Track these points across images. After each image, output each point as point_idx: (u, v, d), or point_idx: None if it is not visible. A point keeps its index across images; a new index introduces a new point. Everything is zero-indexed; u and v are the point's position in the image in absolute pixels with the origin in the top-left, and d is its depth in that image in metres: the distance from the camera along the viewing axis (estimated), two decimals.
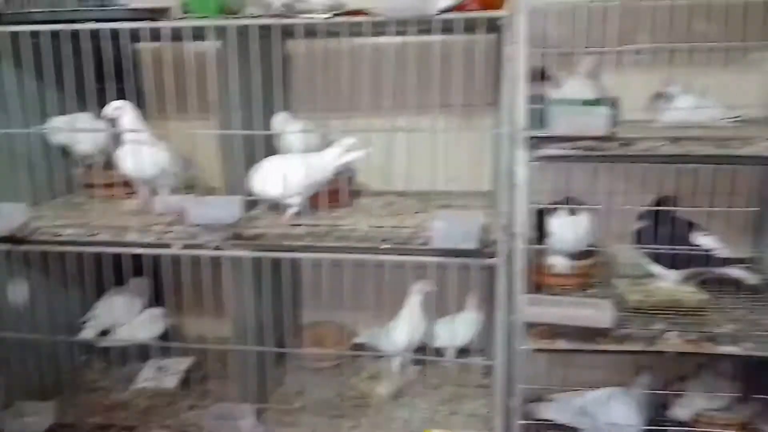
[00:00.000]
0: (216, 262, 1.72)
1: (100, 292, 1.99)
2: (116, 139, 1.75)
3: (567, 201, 1.69)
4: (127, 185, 1.83)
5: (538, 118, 1.47)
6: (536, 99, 1.49)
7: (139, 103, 1.75)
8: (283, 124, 1.78)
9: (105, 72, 1.67)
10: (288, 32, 1.66)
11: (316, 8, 1.58)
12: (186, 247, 1.65)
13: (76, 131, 1.79)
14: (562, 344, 1.53)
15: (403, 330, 1.88)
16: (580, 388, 1.83)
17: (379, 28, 1.55)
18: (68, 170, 1.99)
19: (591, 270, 1.78)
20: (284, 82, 1.90)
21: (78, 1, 1.80)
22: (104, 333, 2.04)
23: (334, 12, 1.56)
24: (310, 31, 1.61)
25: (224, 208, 1.57)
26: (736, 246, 1.75)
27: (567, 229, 1.68)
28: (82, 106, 1.78)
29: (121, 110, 1.70)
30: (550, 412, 1.80)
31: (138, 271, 1.98)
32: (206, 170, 2.00)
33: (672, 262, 1.62)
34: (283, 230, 1.64)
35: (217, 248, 1.63)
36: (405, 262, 1.63)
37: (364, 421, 1.81)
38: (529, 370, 1.61)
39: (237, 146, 1.67)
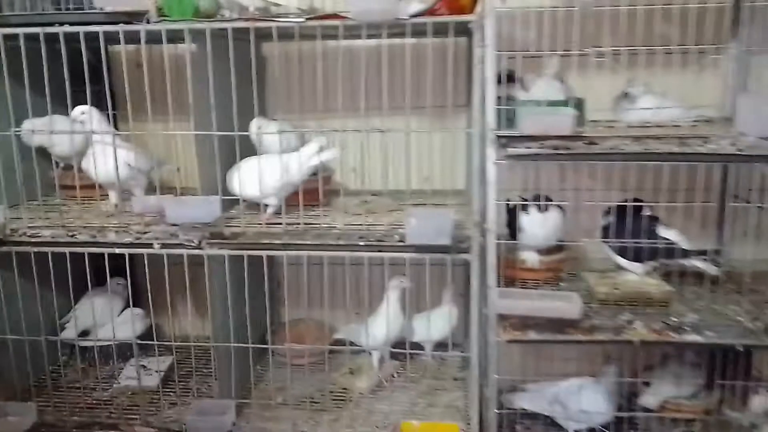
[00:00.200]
0: (195, 261, 1.74)
1: (79, 293, 2.00)
2: (86, 142, 1.78)
3: (537, 198, 1.75)
4: (104, 187, 1.85)
5: (507, 118, 1.53)
6: (506, 100, 1.55)
7: (116, 106, 1.78)
8: (259, 127, 1.81)
9: (83, 75, 1.68)
10: (263, 35, 1.69)
11: (290, 12, 1.62)
12: (165, 246, 1.67)
13: (50, 133, 1.80)
14: (533, 335, 1.59)
15: (381, 325, 1.92)
16: (553, 379, 1.89)
17: (353, 32, 1.59)
18: (45, 172, 2.00)
19: (561, 264, 1.84)
20: (260, 83, 1.94)
21: (54, 5, 1.82)
22: (84, 333, 2.06)
23: (308, 16, 1.59)
24: (285, 34, 1.65)
25: (203, 208, 1.60)
26: (699, 239, 1.83)
27: (536, 225, 1.74)
28: (60, 109, 1.80)
29: (88, 114, 1.72)
30: (524, 401, 1.85)
31: (117, 272, 2.00)
32: (184, 171, 2.03)
33: (637, 255, 1.69)
34: (262, 229, 1.68)
35: (196, 247, 1.66)
36: (382, 260, 1.68)
37: (344, 415, 1.85)
38: (503, 362, 1.67)
39: (214, 147, 1.70)
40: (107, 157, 1.73)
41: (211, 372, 2.02)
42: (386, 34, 1.58)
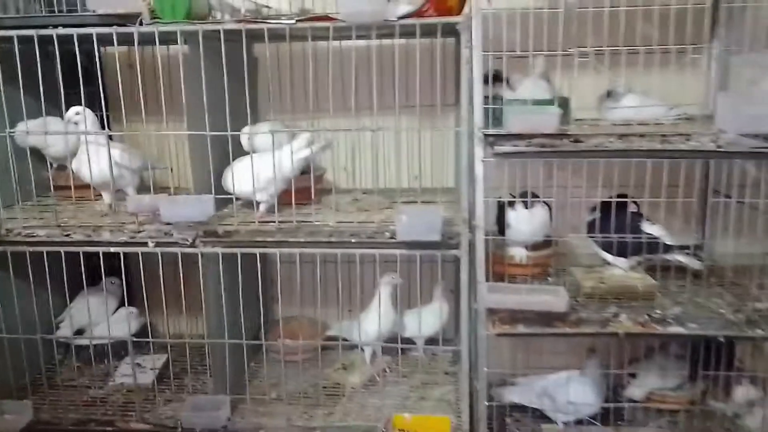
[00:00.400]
0: (189, 260, 1.77)
1: (74, 292, 2.03)
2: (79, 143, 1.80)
3: (524, 195, 1.78)
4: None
5: (494, 117, 1.57)
6: (493, 99, 1.59)
7: (109, 107, 1.80)
8: (249, 138, 1.84)
9: (75, 76, 1.70)
10: (255, 36, 1.72)
11: (281, 13, 1.65)
12: (160, 244, 1.70)
13: (44, 134, 1.82)
14: (522, 329, 1.62)
15: (373, 321, 1.95)
16: (542, 372, 1.93)
17: (343, 33, 1.62)
18: (39, 173, 2.02)
19: (548, 260, 1.88)
20: (252, 84, 1.96)
21: (47, 8, 1.84)
22: (79, 332, 2.08)
23: (299, 17, 1.62)
24: (276, 35, 1.67)
25: (197, 207, 1.63)
26: (682, 235, 1.87)
27: (523, 222, 1.77)
28: (53, 110, 1.82)
29: (81, 115, 1.74)
30: (514, 395, 1.89)
31: (111, 272, 2.02)
32: (177, 171, 2.06)
33: (622, 250, 1.73)
34: (255, 227, 1.71)
35: (190, 245, 1.69)
36: (374, 257, 1.72)
37: (338, 409, 1.88)
38: (493, 356, 1.70)
39: (207, 147, 1.72)
40: (98, 158, 1.75)
41: (205, 369, 2.05)
42: (375, 35, 1.61)
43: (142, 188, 1.92)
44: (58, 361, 2.06)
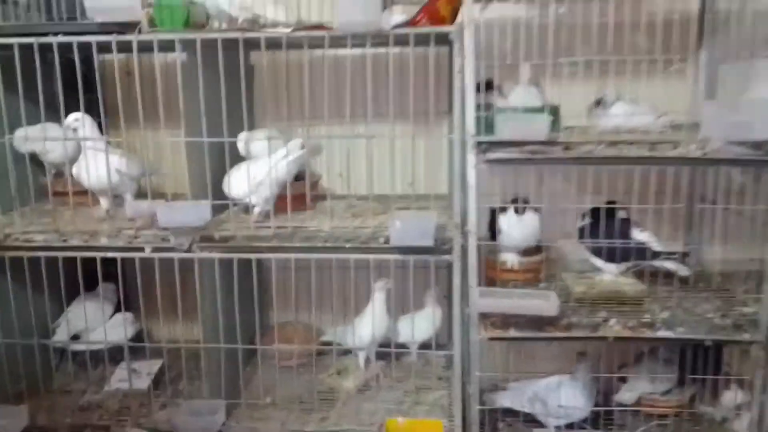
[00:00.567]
0: (185, 266, 1.79)
1: (70, 298, 2.04)
2: (78, 149, 1.82)
3: (515, 201, 1.82)
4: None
5: (486, 124, 1.60)
6: (484, 107, 1.62)
7: (108, 113, 1.82)
8: (246, 142, 1.87)
9: (73, 83, 1.73)
10: (252, 44, 1.75)
11: (278, 22, 1.68)
12: (157, 250, 1.72)
13: (43, 140, 1.84)
14: (513, 333, 1.65)
15: (367, 326, 1.97)
16: (534, 377, 1.95)
17: (338, 42, 1.65)
18: (37, 178, 2.04)
19: (540, 265, 1.91)
20: (248, 91, 1.99)
21: (47, 15, 1.87)
22: (74, 338, 2.09)
23: (295, 27, 1.66)
24: (273, 44, 1.71)
25: (193, 212, 1.65)
26: (671, 241, 1.91)
27: (514, 228, 1.80)
28: (52, 117, 1.84)
29: (80, 121, 1.77)
30: (505, 399, 1.91)
31: (108, 277, 2.03)
32: (174, 177, 2.08)
33: (612, 256, 1.76)
34: (251, 232, 1.73)
35: (187, 251, 1.71)
36: (368, 263, 1.74)
37: (332, 414, 1.89)
38: (486, 362, 1.72)
39: (204, 153, 1.75)
40: (98, 164, 1.77)
41: (200, 374, 2.04)
42: (370, 44, 1.65)
43: (139, 194, 1.94)
44: (53, 367, 2.07)
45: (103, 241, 1.74)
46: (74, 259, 1.77)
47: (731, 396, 1.79)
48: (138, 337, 2.12)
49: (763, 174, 1.53)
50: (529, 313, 1.64)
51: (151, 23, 1.70)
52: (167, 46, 1.69)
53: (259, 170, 1.75)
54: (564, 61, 1.55)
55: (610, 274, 1.81)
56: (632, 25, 1.63)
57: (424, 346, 2.08)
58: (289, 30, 1.63)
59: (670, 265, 1.76)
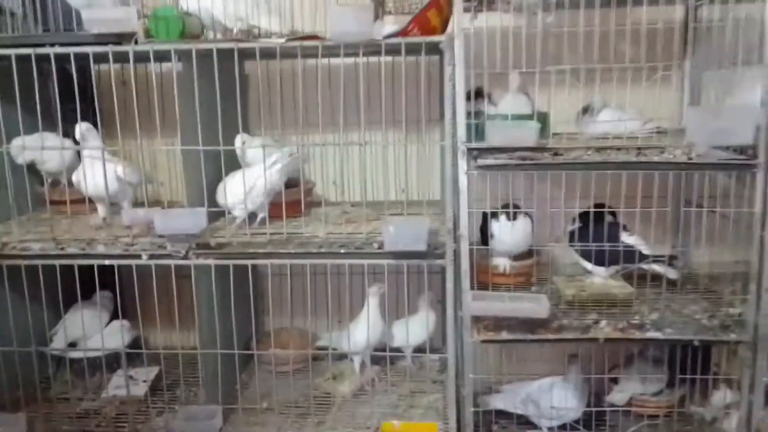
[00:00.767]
0: (182, 273, 1.81)
1: (67, 305, 2.05)
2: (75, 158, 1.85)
3: (507, 207, 1.85)
4: (93, 201, 1.91)
5: (477, 131, 1.64)
6: (475, 114, 1.66)
7: (105, 123, 1.85)
8: (243, 142, 1.90)
9: (68, 93, 1.75)
10: (246, 54, 1.78)
11: (272, 32, 1.71)
12: (153, 257, 1.74)
13: (40, 149, 1.87)
14: (505, 335, 1.68)
15: (362, 331, 2.00)
16: (526, 379, 1.98)
17: (331, 51, 1.68)
18: (34, 187, 2.06)
19: (531, 269, 1.94)
20: (243, 100, 2.02)
21: (43, 26, 1.89)
22: (72, 345, 2.10)
23: (289, 37, 1.69)
24: (267, 53, 1.74)
25: (190, 219, 1.67)
26: (659, 244, 1.94)
27: (506, 233, 1.84)
28: (48, 126, 1.87)
29: (88, 131, 1.79)
30: (499, 402, 1.94)
31: (105, 285, 2.05)
32: (169, 185, 2.11)
33: (601, 259, 1.79)
34: (247, 239, 1.76)
35: (183, 257, 1.73)
36: (362, 269, 1.77)
37: (328, 418, 1.92)
38: (479, 365, 1.75)
39: (200, 161, 1.77)
40: (99, 172, 1.79)
41: (197, 381, 2.07)
42: (363, 53, 1.68)
43: (135, 202, 1.96)
44: (51, 374, 2.08)
45: (100, 249, 1.76)
46: (71, 267, 1.79)
47: (720, 396, 1.82)
48: (135, 344, 2.14)
49: (747, 177, 1.57)
50: (520, 316, 1.68)
51: (147, 34, 1.73)
52: (163, 56, 1.72)
53: (242, 181, 1.77)
54: (552, 69, 1.58)
55: (600, 277, 1.85)
56: (618, 34, 1.67)
57: (419, 350, 2.11)
58: (282, 40, 1.67)
59: (658, 267, 1.80)
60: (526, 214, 1.87)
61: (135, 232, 1.78)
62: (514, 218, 1.84)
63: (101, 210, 1.90)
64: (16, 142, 1.86)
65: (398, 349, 2.12)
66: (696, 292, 1.87)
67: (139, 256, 1.75)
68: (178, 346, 2.20)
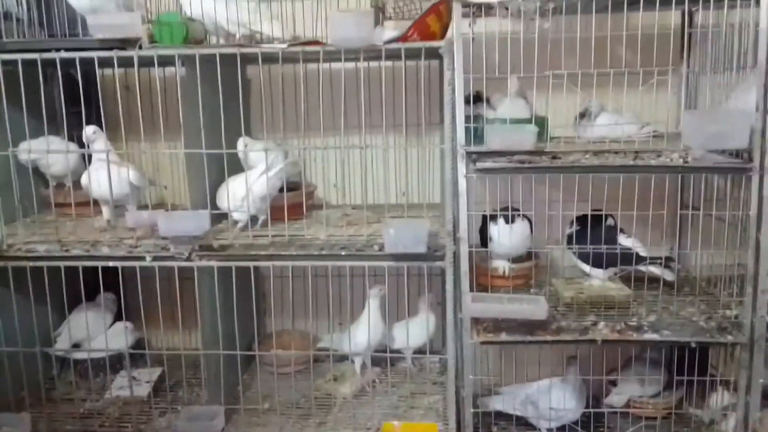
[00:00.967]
0: (185, 274, 1.83)
1: (71, 306, 2.08)
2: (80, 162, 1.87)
3: (505, 210, 1.87)
4: (97, 204, 1.93)
5: (476, 135, 1.66)
6: (474, 118, 1.68)
7: (109, 126, 1.88)
8: (246, 145, 1.92)
9: (73, 97, 1.78)
10: (249, 59, 1.81)
11: (274, 37, 1.74)
12: (157, 258, 1.76)
13: (46, 152, 1.89)
14: (505, 337, 1.70)
15: (362, 332, 2.02)
16: (526, 380, 2.00)
17: (332, 56, 1.71)
18: (39, 190, 2.08)
19: (530, 271, 1.96)
20: (245, 104, 2.05)
21: (48, 32, 1.92)
22: (76, 346, 2.13)
23: (291, 42, 1.71)
24: (269, 58, 1.76)
25: (193, 222, 1.70)
26: (656, 246, 1.96)
27: (505, 235, 1.86)
28: (54, 130, 1.89)
29: (97, 134, 1.82)
30: (498, 403, 1.96)
31: (108, 286, 2.07)
32: (173, 188, 2.13)
33: (599, 262, 1.81)
34: (249, 241, 1.78)
35: (186, 259, 1.76)
36: (363, 271, 1.78)
37: (329, 419, 1.93)
38: (479, 367, 1.76)
39: (203, 164, 1.80)
40: (110, 175, 1.81)
41: (200, 381, 2.09)
42: (363, 58, 1.70)
43: (139, 205, 1.98)
44: (55, 375, 2.10)
45: (105, 251, 1.79)
46: (76, 268, 1.81)
47: (718, 397, 1.83)
48: (138, 345, 2.16)
49: (742, 180, 1.59)
50: (519, 318, 1.69)
51: (151, 39, 1.76)
52: (166, 61, 1.74)
53: (239, 185, 1.80)
54: (550, 74, 1.60)
55: (598, 280, 1.87)
56: (614, 40, 1.69)
57: (419, 351, 2.13)
58: (284, 45, 1.69)
59: (655, 269, 1.82)
60: (525, 216, 1.90)
61: (139, 234, 1.80)
62: (513, 221, 1.86)
63: (106, 212, 1.92)
64: (23, 145, 1.89)
65: (398, 351, 2.14)
66: (693, 295, 1.89)
67: (142, 258, 1.77)
68: (181, 347, 2.22)
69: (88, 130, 1.82)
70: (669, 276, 1.82)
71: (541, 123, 1.71)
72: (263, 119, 1.97)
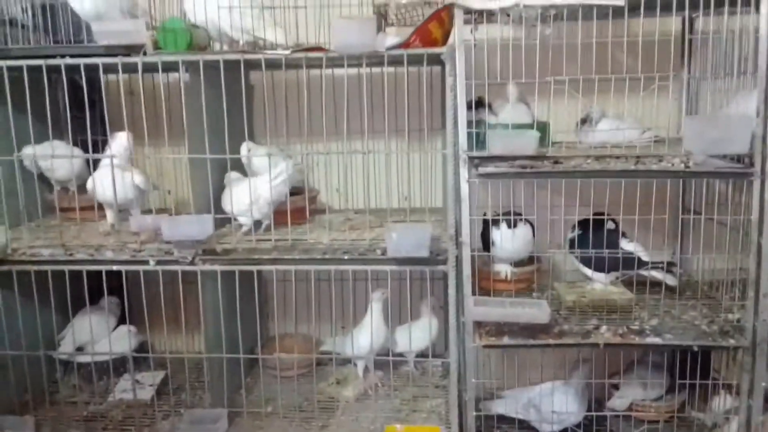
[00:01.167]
0: (188, 278, 1.84)
1: (75, 310, 2.09)
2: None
3: (507, 214, 1.88)
4: (101, 208, 1.95)
5: (478, 140, 1.67)
6: (476, 124, 1.69)
7: (113, 132, 1.89)
8: (249, 150, 1.93)
9: (76, 102, 1.79)
10: (252, 65, 1.82)
11: (277, 43, 1.75)
12: (161, 263, 1.77)
13: (51, 157, 1.90)
14: (507, 340, 1.70)
15: (365, 336, 2.02)
16: (528, 384, 2.00)
17: (335, 62, 1.72)
18: (43, 195, 2.10)
19: (532, 275, 1.97)
20: (248, 109, 2.06)
21: (53, 38, 1.93)
22: (80, 349, 2.14)
23: (294, 49, 1.73)
24: (273, 64, 1.78)
25: (197, 226, 1.71)
26: (658, 251, 1.97)
27: (507, 240, 1.86)
28: (58, 135, 1.91)
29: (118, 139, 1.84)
30: (500, 407, 1.96)
31: (112, 291, 2.08)
32: (176, 192, 2.14)
33: (601, 265, 1.82)
34: (252, 245, 1.79)
35: (190, 263, 1.77)
36: (365, 275, 1.79)
37: (332, 422, 1.94)
38: (482, 370, 1.77)
39: (207, 169, 1.81)
40: (118, 180, 1.82)
41: (203, 385, 2.10)
42: (366, 64, 1.71)
43: (143, 209, 1.99)
44: (59, 378, 2.11)
45: (109, 255, 1.80)
46: (80, 272, 1.82)
47: (720, 401, 1.84)
48: (141, 348, 2.17)
49: (744, 185, 1.59)
50: (522, 322, 1.70)
51: (156, 46, 1.77)
52: (170, 67, 1.76)
53: (248, 191, 1.80)
54: (551, 80, 1.61)
55: (600, 283, 1.87)
56: (616, 46, 1.70)
57: (421, 355, 2.13)
58: (288, 52, 1.70)
59: (657, 274, 1.82)
60: (527, 221, 1.91)
61: (143, 238, 1.82)
62: (515, 225, 1.87)
63: (110, 217, 1.94)
64: (27, 150, 1.90)
65: (401, 354, 2.15)
66: (695, 298, 1.89)
67: (146, 262, 1.78)
68: (184, 350, 2.24)
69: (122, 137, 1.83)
70: (671, 281, 1.83)
71: (543, 128, 1.72)
72: (266, 125, 1.97)
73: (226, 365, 1.89)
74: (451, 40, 1.69)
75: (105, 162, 1.84)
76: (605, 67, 1.69)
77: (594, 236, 1.81)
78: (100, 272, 1.82)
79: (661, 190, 1.73)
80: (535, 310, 1.69)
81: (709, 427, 1.89)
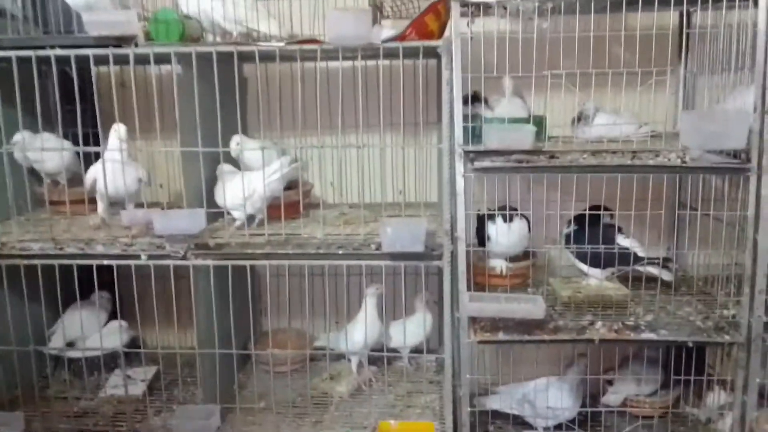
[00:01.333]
0: (180, 273, 1.82)
1: (66, 305, 2.07)
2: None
3: (503, 209, 1.87)
4: (92, 201, 1.92)
5: (474, 134, 1.65)
6: (472, 118, 1.68)
7: (104, 124, 1.86)
8: (237, 143, 1.91)
9: (67, 94, 1.76)
10: (245, 57, 1.80)
11: (271, 35, 1.73)
12: (152, 257, 1.75)
13: (41, 150, 1.88)
14: (502, 336, 1.70)
15: (359, 331, 2.01)
16: (522, 379, 2.00)
17: (330, 54, 1.70)
18: (33, 188, 2.07)
19: (528, 271, 1.96)
20: (242, 102, 2.04)
21: (44, 29, 1.90)
22: (70, 344, 2.12)
23: (288, 41, 1.70)
24: (266, 56, 1.75)
25: (189, 220, 1.69)
26: (654, 246, 1.96)
27: (502, 235, 1.85)
28: (48, 127, 1.88)
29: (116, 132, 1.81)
30: (495, 403, 1.96)
31: (103, 285, 2.06)
32: (169, 187, 2.12)
33: (597, 261, 1.81)
34: (245, 240, 1.77)
35: (182, 258, 1.75)
36: (360, 270, 1.78)
37: (326, 418, 1.93)
38: (476, 366, 1.76)
39: (199, 163, 1.78)
40: (119, 173, 1.80)
41: (195, 380, 2.08)
42: (361, 57, 1.70)
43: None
44: (49, 373, 2.09)
45: (99, 249, 1.78)
46: (70, 266, 1.79)
47: (715, 397, 1.84)
48: (133, 343, 2.15)
49: (740, 181, 1.59)
50: (517, 317, 1.69)
51: (147, 37, 1.74)
52: (162, 59, 1.73)
53: (242, 185, 1.78)
54: (548, 74, 1.60)
55: (596, 279, 1.87)
56: (613, 40, 1.69)
57: (416, 350, 2.12)
58: (282, 43, 1.68)
59: (653, 269, 1.81)
60: (523, 216, 1.89)
61: (134, 232, 1.79)
62: (511, 220, 1.86)
63: (101, 210, 1.91)
64: (17, 137, 1.87)
65: (395, 350, 2.14)
66: (690, 294, 1.89)
67: (137, 257, 1.76)
68: (176, 345, 2.22)
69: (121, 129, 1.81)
70: (667, 276, 1.82)
71: (539, 122, 1.71)
72: (260, 117, 1.96)
73: (219, 361, 1.87)
74: (447, 33, 1.67)
75: (109, 155, 1.81)
76: (602, 61, 1.68)
77: (590, 232, 1.80)
78: (90, 267, 1.79)
79: (657, 186, 1.72)
80: (530, 306, 1.68)
81: (703, 422, 1.90)
